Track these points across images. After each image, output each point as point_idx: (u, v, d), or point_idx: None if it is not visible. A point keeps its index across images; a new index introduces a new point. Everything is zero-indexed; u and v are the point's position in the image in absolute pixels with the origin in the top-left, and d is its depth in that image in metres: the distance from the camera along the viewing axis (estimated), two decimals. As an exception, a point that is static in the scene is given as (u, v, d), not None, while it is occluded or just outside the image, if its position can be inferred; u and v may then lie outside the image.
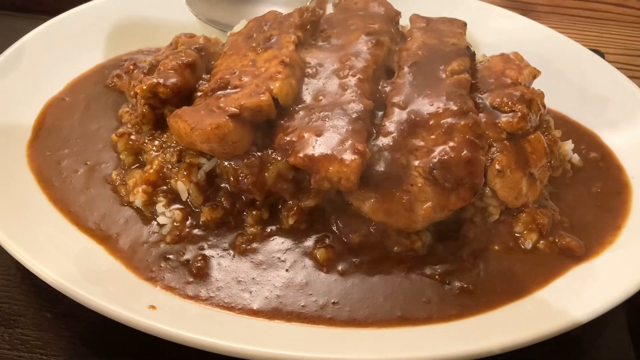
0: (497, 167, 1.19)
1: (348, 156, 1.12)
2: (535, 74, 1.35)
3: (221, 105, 1.18)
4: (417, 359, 0.99)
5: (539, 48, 1.55)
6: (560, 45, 1.61)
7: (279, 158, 1.19)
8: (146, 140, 1.29)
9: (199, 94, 1.31)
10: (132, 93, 1.37)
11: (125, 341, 1.11)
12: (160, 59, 1.40)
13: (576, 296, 1.13)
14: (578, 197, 1.32)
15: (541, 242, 1.22)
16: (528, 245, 1.21)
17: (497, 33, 1.62)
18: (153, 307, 1.06)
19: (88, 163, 1.32)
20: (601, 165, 1.39)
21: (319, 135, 1.16)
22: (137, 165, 1.30)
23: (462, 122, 1.19)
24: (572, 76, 1.55)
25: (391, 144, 1.18)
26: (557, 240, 1.22)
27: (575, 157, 1.37)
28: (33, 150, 1.34)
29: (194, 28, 1.59)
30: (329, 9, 1.48)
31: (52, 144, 1.35)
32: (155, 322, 1.01)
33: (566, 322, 1.06)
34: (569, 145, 1.37)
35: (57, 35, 1.54)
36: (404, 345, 1.03)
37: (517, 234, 1.22)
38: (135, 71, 1.42)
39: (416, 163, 1.16)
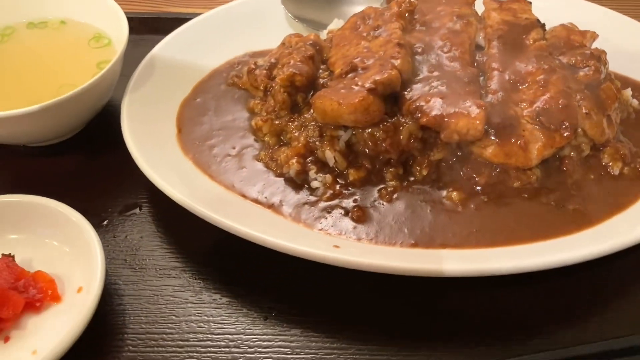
0: (585, 110, 1.45)
1: (473, 110, 1.37)
2: (594, 37, 1.62)
3: (358, 83, 1.43)
4: (565, 259, 1.24)
5: (580, 20, 1.80)
6: (599, 15, 1.88)
7: (409, 122, 1.43)
8: (288, 123, 1.52)
9: (321, 81, 1.55)
10: (261, 87, 1.61)
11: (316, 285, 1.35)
12: (277, 57, 1.65)
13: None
14: (644, 133, 1.59)
15: (625, 168, 1.48)
16: (616, 172, 1.47)
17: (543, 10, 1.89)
18: (337, 246, 1.29)
19: (235, 148, 1.55)
20: (657, 107, 1.67)
21: (442, 98, 1.41)
22: (281, 144, 1.53)
23: (555, 77, 1.45)
24: (613, 39, 1.80)
25: (500, 100, 1.44)
26: (638, 167, 1.48)
27: (635, 102, 1.64)
28: (183, 142, 1.56)
29: (286, 32, 1.82)
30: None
31: (198, 136, 1.58)
32: (350, 256, 1.25)
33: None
34: (628, 92, 1.64)
35: (174, 48, 1.77)
36: (547, 252, 1.28)
37: (606, 164, 1.48)
38: (257, 70, 1.65)
39: (525, 113, 1.42)
